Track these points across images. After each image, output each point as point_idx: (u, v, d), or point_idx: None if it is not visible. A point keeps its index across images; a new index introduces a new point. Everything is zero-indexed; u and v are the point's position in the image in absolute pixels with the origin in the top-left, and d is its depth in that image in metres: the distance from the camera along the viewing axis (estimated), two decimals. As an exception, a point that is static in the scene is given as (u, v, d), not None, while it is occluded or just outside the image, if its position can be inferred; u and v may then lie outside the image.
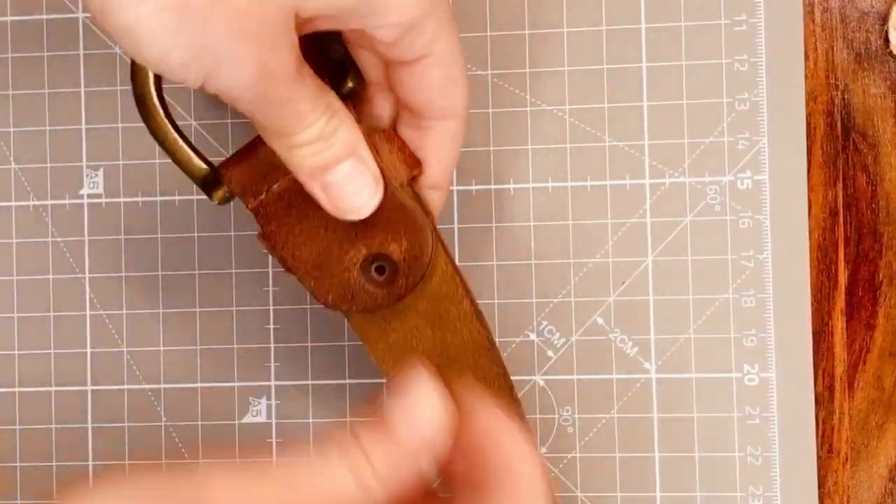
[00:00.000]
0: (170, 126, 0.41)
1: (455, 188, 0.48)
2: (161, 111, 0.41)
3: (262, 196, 0.40)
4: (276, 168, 0.39)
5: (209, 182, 0.41)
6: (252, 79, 0.34)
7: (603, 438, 0.47)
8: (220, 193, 0.41)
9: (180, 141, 0.41)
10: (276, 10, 0.34)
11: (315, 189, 0.38)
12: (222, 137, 0.48)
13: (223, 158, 0.47)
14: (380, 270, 0.40)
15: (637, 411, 0.46)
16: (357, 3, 0.35)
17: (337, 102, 0.37)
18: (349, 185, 0.38)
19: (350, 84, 0.41)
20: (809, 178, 0.46)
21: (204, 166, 0.41)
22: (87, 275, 0.49)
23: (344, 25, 0.37)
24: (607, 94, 0.47)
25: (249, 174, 0.40)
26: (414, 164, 0.41)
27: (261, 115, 0.36)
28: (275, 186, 0.40)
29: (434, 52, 0.37)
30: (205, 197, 0.48)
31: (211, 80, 0.34)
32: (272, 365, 0.48)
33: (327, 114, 0.37)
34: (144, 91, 0.40)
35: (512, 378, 0.47)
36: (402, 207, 0.39)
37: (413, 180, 0.41)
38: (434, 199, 0.41)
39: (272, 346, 0.48)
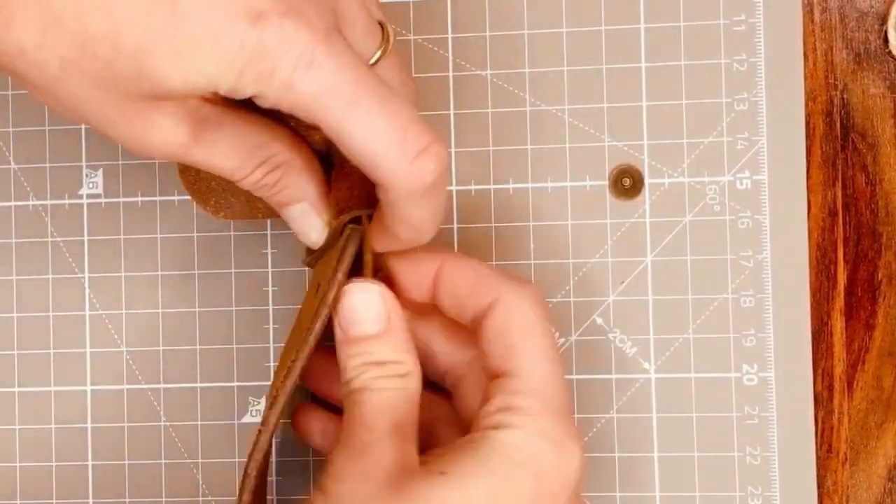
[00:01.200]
0: None
1: (455, 188, 0.48)
2: None
3: None
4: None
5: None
6: (142, 153, 0.36)
7: (602, 438, 0.47)
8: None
9: None
10: (133, 96, 0.35)
11: (284, 218, 0.42)
12: (222, 137, 0.48)
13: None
14: None
15: (636, 411, 0.47)
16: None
17: (281, 155, 0.39)
18: (300, 224, 0.41)
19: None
20: (809, 179, 0.46)
21: None
22: (86, 275, 0.49)
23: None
24: (607, 94, 0.47)
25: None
26: (368, 203, 0.41)
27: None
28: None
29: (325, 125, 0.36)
30: (204, 197, 0.48)
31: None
32: (272, 365, 0.48)
33: (262, 168, 0.39)
34: None
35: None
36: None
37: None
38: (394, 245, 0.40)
39: (272, 346, 0.48)
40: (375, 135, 0.35)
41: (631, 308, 0.47)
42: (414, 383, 0.39)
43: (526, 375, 0.38)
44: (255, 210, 0.43)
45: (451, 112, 0.47)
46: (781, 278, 0.46)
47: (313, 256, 0.43)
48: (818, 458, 0.46)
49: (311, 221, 0.41)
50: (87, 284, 0.49)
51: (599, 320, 0.47)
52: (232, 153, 0.38)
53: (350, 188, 0.41)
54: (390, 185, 0.36)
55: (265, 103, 0.35)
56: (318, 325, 0.39)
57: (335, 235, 0.41)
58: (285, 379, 0.40)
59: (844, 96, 0.46)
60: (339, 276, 0.39)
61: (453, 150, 0.48)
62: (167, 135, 0.36)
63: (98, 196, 0.49)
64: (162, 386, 0.48)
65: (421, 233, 0.38)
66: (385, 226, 0.39)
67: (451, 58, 0.48)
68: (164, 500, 0.48)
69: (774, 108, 0.46)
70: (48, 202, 0.49)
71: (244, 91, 0.34)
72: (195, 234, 0.48)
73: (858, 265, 0.46)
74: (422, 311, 0.42)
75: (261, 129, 0.38)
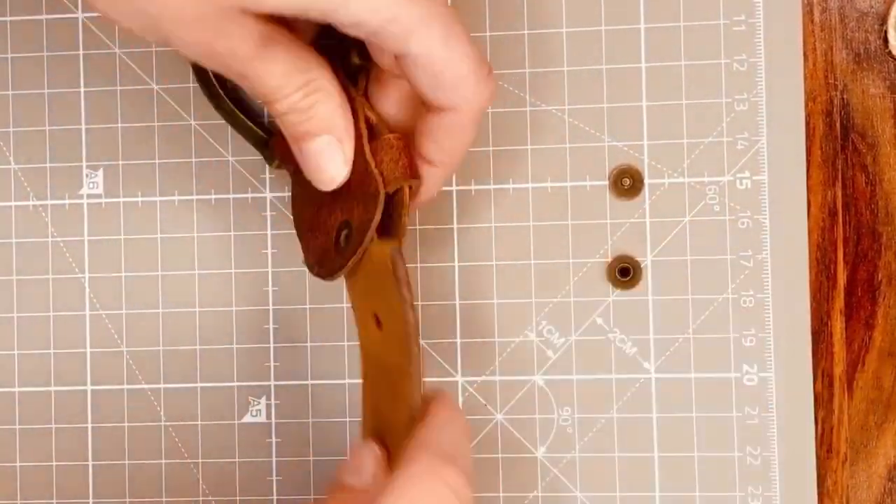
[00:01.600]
0: (229, 101, 0.46)
1: (455, 188, 0.48)
2: (219, 87, 0.46)
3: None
4: None
5: (266, 152, 0.46)
6: (201, 58, 0.38)
7: (602, 438, 0.47)
8: (276, 162, 0.46)
9: (241, 115, 0.46)
10: (215, 6, 0.37)
11: (296, 153, 0.41)
12: (222, 137, 0.48)
13: (218, 159, 0.48)
14: (347, 238, 0.42)
15: (636, 411, 0.47)
16: (307, 4, 0.37)
17: (322, 81, 0.40)
18: (320, 157, 0.41)
19: (356, 60, 0.42)
20: (808, 179, 0.46)
21: (262, 134, 0.46)
22: (86, 275, 0.49)
23: (310, 18, 0.38)
24: (606, 94, 0.47)
25: (287, 146, 0.42)
26: (412, 174, 0.42)
27: (237, 83, 0.39)
28: None
29: (410, 52, 0.38)
30: (204, 197, 0.48)
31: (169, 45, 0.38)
32: (272, 365, 0.48)
33: (303, 90, 0.39)
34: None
35: (511, 378, 0.47)
36: (368, 177, 0.41)
37: (411, 190, 0.42)
38: (430, 176, 0.42)
39: (272, 346, 0.48)
40: (464, 61, 0.39)
41: (631, 308, 0.47)
42: None
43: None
44: None
45: (452, 112, 0.47)
46: (781, 278, 0.46)
47: (327, 268, 0.43)
48: (818, 458, 0.46)
49: (333, 156, 0.41)
50: (87, 284, 0.49)
51: (599, 320, 0.47)
52: (281, 70, 0.39)
53: (393, 160, 0.41)
54: (468, 106, 0.40)
55: (353, 22, 0.37)
56: (416, 349, 0.39)
57: (364, 230, 0.41)
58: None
59: (844, 96, 0.46)
60: (407, 296, 0.40)
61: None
62: (235, 45, 0.37)
63: (98, 196, 0.49)
64: (162, 386, 0.48)
65: (463, 154, 0.42)
66: (437, 160, 0.42)
67: (451, 58, 0.48)
68: (164, 500, 0.48)
69: (774, 108, 0.46)
70: (48, 202, 0.49)
71: (350, 11, 0.37)
72: (195, 234, 0.48)
73: (858, 265, 0.46)
74: None
75: (309, 55, 0.40)
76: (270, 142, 0.46)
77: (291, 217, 0.45)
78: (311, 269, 0.43)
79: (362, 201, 0.41)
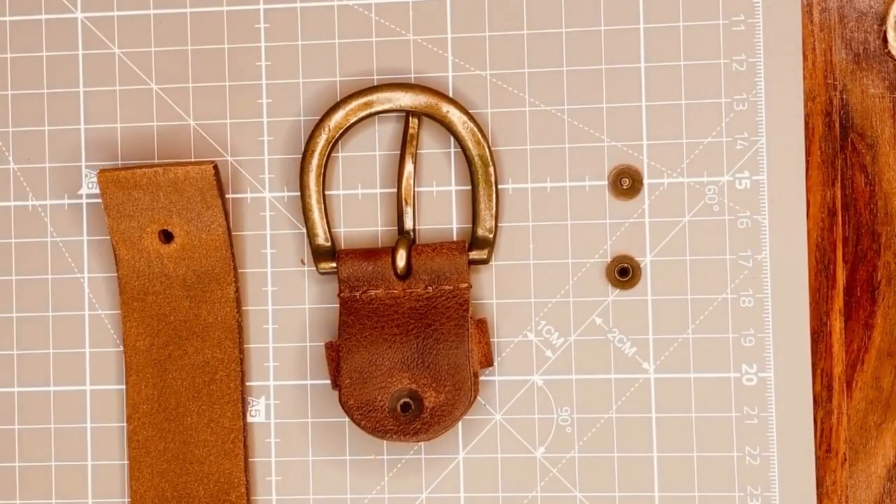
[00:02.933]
0: (320, 194, 0.47)
1: (454, 188, 0.48)
2: (320, 175, 0.47)
3: (357, 293, 0.46)
4: (380, 279, 0.46)
5: (321, 252, 0.47)
6: None
7: (601, 438, 0.47)
8: (326, 266, 0.47)
9: (318, 211, 0.47)
10: None
11: None
12: (222, 138, 0.48)
13: (218, 159, 0.48)
14: (405, 407, 0.45)
15: (635, 411, 0.47)
16: None
17: None
18: None
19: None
20: (808, 179, 0.46)
21: (327, 243, 0.47)
22: (86, 275, 0.49)
23: None
24: (606, 94, 0.47)
25: (358, 270, 0.46)
26: (487, 362, 0.47)
27: None
28: (371, 292, 0.46)
29: None
30: (204, 197, 0.48)
31: None
32: (272, 365, 0.48)
33: None
34: (316, 149, 0.47)
35: (510, 378, 0.47)
36: (459, 366, 0.45)
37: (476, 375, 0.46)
38: None
39: (272, 346, 0.48)
40: None
41: (630, 308, 0.47)
42: None
43: None
44: None
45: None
46: (780, 278, 0.46)
47: (373, 426, 0.45)
48: (817, 458, 0.46)
49: None
50: (86, 284, 0.49)
51: (598, 320, 0.47)
52: None
53: (476, 343, 0.46)
54: None
55: None
56: None
57: None
58: None
59: (843, 96, 0.46)
60: None
61: (453, 150, 0.48)
62: None
63: (97, 196, 0.49)
64: (161, 386, 0.48)
65: None
66: None
67: (450, 58, 0.48)
68: (163, 499, 0.48)
69: (773, 108, 0.46)
70: (48, 202, 0.49)
71: None
72: (195, 234, 0.49)
73: (857, 265, 0.46)
74: None
75: None
76: (339, 254, 0.46)
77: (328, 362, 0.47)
78: (349, 414, 0.45)
79: (439, 380, 0.45)
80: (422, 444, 0.47)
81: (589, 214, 0.47)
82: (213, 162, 0.46)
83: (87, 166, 0.49)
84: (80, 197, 0.49)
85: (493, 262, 0.47)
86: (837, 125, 0.46)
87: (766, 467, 0.46)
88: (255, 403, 0.48)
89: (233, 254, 0.47)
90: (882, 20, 0.46)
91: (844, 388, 0.46)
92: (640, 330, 0.47)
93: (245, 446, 0.47)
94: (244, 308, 0.48)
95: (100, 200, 0.48)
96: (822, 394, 0.46)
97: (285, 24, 0.48)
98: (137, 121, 0.49)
